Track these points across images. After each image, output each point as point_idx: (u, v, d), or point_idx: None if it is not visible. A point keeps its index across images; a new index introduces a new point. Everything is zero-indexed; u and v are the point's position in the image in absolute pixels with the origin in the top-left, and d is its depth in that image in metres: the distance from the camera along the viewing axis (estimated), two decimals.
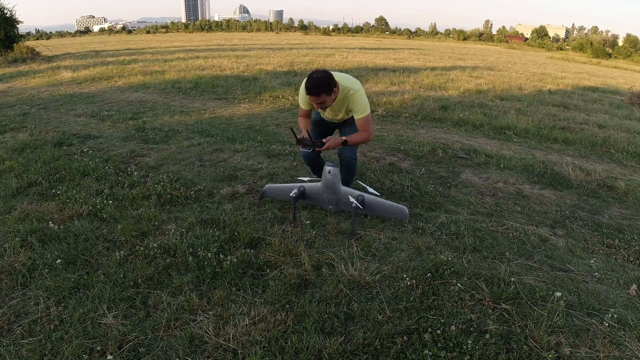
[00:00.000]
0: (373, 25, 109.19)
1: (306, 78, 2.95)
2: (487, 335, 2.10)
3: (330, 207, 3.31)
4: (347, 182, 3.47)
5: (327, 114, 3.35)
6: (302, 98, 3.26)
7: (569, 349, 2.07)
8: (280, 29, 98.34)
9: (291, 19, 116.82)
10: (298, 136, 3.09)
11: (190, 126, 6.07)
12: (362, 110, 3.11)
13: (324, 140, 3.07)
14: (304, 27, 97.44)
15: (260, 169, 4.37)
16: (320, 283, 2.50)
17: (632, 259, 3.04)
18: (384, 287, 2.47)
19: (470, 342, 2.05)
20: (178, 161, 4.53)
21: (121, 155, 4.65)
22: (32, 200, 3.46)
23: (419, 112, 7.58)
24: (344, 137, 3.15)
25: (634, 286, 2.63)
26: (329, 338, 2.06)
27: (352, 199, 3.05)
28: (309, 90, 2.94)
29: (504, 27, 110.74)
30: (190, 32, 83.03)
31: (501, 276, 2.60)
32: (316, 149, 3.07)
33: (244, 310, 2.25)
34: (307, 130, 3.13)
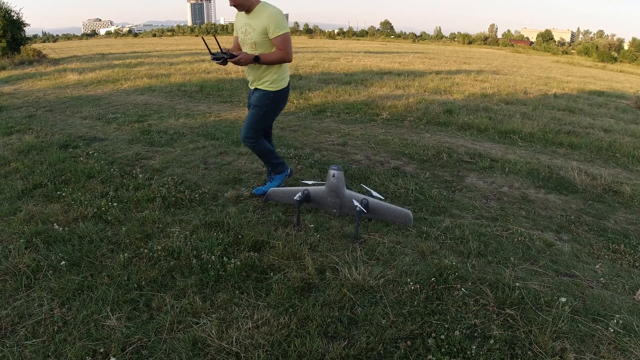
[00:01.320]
0: (378, 29, 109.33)
1: None
2: (492, 341, 2.09)
3: (334, 210, 3.31)
4: (264, 162, 3.69)
5: (242, 28, 3.20)
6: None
7: (574, 354, 2.05)
8: None
9: (296, 22, 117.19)
10: (212, 51, 3.10)
11: (196, 129, 6.09)
12: (280, 27, 3.05)
13: (235, 53, 3.06)
14: (309, 31, 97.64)
15: (265, 172, 4.37)
16: (323, 287, 2.49)
17: (637, 265, 3.01)
18: (388, 292, 2.46)
19: (474, 347, 2.03)
20: (183, 164, 4.54)
21: (126, 158, 4.67)
22: (37, 202, 3.47)
23: (424, 115, 7.57)
24: (256, 54, 3.12)
25: None
26: (332, 342, 2.06)
27: (356, 203, 3.05)
28: None
29: (509, 30, 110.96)
30: (196, 36, 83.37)
31: (506, 281, 2.59)
32: (228, 59, 3.04)
33: (247, 314, 2.24)
34: (219, 43, 3.11)
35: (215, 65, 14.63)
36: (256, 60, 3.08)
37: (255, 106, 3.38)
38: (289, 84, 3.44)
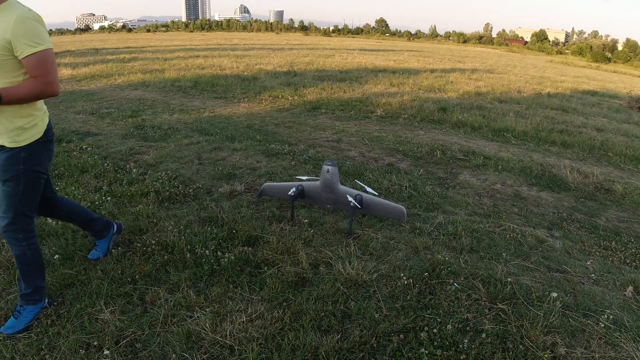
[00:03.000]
0: (373, 27, 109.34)
1: None
2: (483, 335, 2.11)
3: (329, 206, 3.32)
4: (22, 278, 2.11)
5: None
6: None
7: (565, 349, 2.07)
8: (281, 29, 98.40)
9: (291, 19, 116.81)
10: None
11: (190, 125, 6.07)
12: (36, 40, 1.81)
13: None
14: (304, 28, 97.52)
15: (259, 167, 4.37)
16: (317, 281, 2.50)
17: (628, 261, 3.05)
18: (381, 286, 2.48)
19: (466, 341, 2.05)
20: (177, 159, 4.53)
21: (120, 153, 4.65)
22: None
23: (418, 113, 7.59)
24: None
25: (630, 288, 2.65)
26: (326, 336, 2.07)
27: (350, 199, 3.06)
28: None
29: (504, 30, 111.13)
30: (191, 31, 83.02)
31: (498, 276, 2.61)
32: None
33: (241, 307, 2.25)
34: None
35: (210, 61, 14.47)
36: None
37: (5, 181, 1.97)
38: (50, 127, 2.09)
